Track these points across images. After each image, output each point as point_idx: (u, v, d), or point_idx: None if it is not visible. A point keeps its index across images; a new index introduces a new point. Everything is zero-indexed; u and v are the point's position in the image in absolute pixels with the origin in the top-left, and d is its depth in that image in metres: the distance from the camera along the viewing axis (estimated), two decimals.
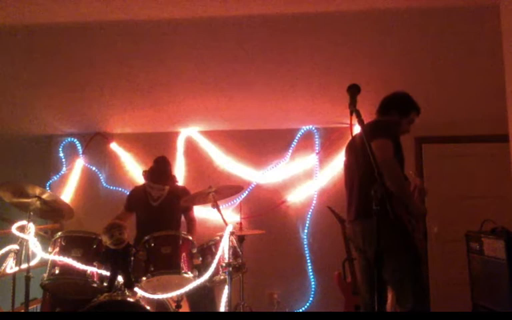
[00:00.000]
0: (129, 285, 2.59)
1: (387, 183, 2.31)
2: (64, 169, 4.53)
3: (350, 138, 2.73)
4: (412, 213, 2.53)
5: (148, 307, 2.51)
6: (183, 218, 3.65)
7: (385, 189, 1.99)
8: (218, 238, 2.82)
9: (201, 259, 2.88)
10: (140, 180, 3.87)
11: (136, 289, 2.61)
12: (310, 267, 4.27)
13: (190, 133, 4.52)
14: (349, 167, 2.83)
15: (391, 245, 2.25)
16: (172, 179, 3.61)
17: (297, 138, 4.45)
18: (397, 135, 2.65)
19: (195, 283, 2.67)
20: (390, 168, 2.37)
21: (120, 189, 4.39)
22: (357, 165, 2.68)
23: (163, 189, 3.51)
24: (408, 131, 2.84)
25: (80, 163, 4.53)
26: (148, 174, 3.56)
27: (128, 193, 3.80)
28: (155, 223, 3.20)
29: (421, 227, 2.68)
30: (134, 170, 4.43)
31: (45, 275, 2.64)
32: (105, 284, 2.62)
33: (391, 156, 2.41)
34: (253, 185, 4.39)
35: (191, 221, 3.63)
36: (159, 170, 3.54)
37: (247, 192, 4.35)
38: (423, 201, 2.92)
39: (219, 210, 2.80)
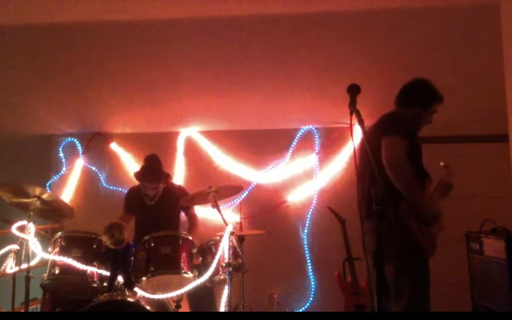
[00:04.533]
0: (129, 285, 2.59)
1: (394, 183, 2.25)
2: (64, 168, 4.52)
3: (361, 134, 2.65)
4: (422, 217, 2.38)
5: (148, 307, 2.51)
6: (183, 217, 3.65)
7: (387, 189, 1.92)
8: (218, 238, 2.82)
9: (200, 258, 2.88)
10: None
11: (136, 289, 2.61)
12: (310, 267, 4.27)
13: (190, 132, 4.51)
14: (360, 164, 2.66)
15: (391, 247, 2.12)
16: (165, 176, 3.52)
17: (297, 138, 4.44)
18: (412, 130, 2.53)
19: (195, 282, 2.67)
20: (396, 168, 2.27)
21: (120, 189, 4.38)
22: (366, 162, 2.54)
23: (157, 187, 3.46)
24: (430, 121, 2.69)
25: (80, 163, 4.52)
26: (140, 174, 3.46)
27: (125, 195, 3.76)
28: (152, 222, 3.19)
29: (434, 233, 2.44)
30: (134, 170, 4.40)
31: (45, 275, 2.65)
32: (105, 284, 2.62)
33: (398, 155, 2.30)
34: (252, 185, 4.39)
35: (192, 218, 3.64)
36: (150, 169, 3.44)
37: (246, 192, 4.35)
38: (444, 195, 2.66)
39: (218, 210, 2.80)
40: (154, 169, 3.45)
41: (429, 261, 2.48)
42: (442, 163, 2.67)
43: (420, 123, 2.66)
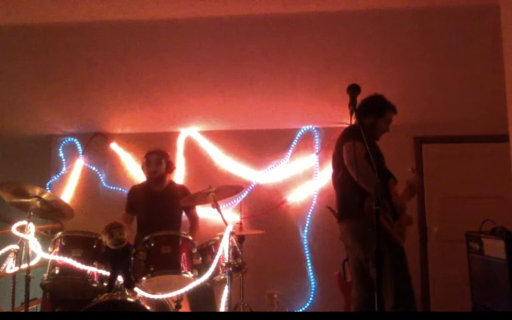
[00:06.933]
0: (129, 285, 2.59)
1: (357, 181, 2.51)
2: (64, 168, 4.52)
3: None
4: (387, 209, 2.66)
5: (148, 307, 2.51)
6: (184, 218, 3.66)
7: (352, 191, 2.22)
8: (218, 238, 2.82)
9: (200, 259, 2.88)
10: (139, 179, 3.86)
11: (136, 289, 2.61)
12: (310, 267, 4.27)
13: (190, 132, 4.51)
14: (333, 171, 2.99)
15: (366, 241, 2.47)
16: (168, 159, 3.57)
17: (297, 138, 4.44)
18: (370, 136, 2.77)
19: (195, 282, 2.67)
20: (356, 167, 2.53)
21: (120, 189, 4.39)
22: (337, 169, 2.87)
23: (160, 163, 3.48)
24: (387, 129, 2.98)
25: (80, 163, 4.52)
26: (144, 157, 3.56)
27: (127, 194, 3.77)
28: (154, 221, 3.19)
29: (401, 223, 2.75)
30: (134, 170, 4.42)
31: (45, 275, 2.64)
32: (105, 284, 2.62)
33: (356, 155, 2.53)
34: (252, 185, 4.39)
35: (193, 219, 3.64)
36: (153, 149, 3.58)
37: (246, 192, 4.35)
38: (411, 196, 2.98)
39: (219, 210, 2.80)
40: (156, 149, 3.58)
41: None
42: (409, 169, 3.01)
43: (377, 131, 2.96)
